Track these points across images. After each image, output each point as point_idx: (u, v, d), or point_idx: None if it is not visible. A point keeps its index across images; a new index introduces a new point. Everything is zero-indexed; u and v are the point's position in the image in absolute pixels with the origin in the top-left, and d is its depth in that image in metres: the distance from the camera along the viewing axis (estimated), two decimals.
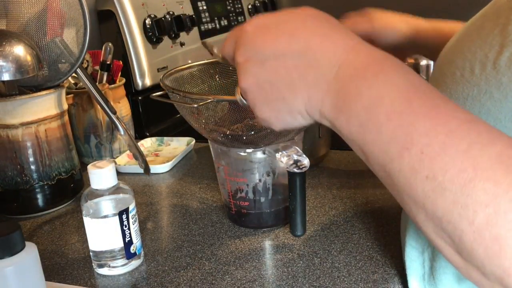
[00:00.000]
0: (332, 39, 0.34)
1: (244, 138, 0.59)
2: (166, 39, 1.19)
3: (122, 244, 0.57)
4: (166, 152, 0.98)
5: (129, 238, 0.57)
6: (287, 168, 0.56)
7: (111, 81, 0.95)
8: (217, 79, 0.72)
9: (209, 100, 0.55)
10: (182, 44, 1.24)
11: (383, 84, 0.31)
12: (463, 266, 0.29)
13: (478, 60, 0.37)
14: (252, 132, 0.59)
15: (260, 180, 0.63)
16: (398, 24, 0.61)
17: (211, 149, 0.66)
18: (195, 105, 0.57)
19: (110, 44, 0.93)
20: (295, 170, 0.55)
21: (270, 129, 0.59)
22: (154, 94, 0.63)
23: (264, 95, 0.37)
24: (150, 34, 1.15)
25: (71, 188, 0.78)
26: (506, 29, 0.36)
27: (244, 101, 0.41)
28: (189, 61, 0.72)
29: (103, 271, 0.58)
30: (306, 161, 0.55)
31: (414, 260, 0.48)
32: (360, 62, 0.33)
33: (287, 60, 0.35)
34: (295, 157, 0.56)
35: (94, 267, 0.59)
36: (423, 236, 0.46)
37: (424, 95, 0.30)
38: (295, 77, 0.35)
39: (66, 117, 0.78)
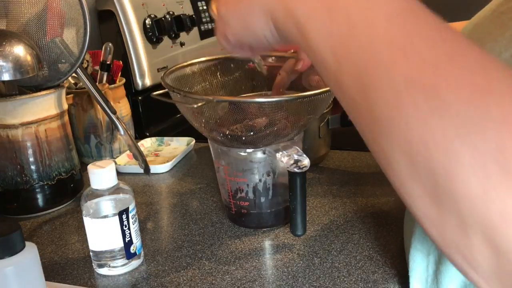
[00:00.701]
0: None
1: (243, 138, 0.59)
2: (166, 39, 1.19)
3: (122, 244, 0.57)
4: (166, 152, 0.98)
5: (129, 238, 0.57)
6: (288, 168, 0.56)
7: (111, 81, 0.95)
8: (219, 76, 0.72)
9: (209, 100, 0.55)
10: (182, 44, 1.24)
11: None
12: (437, 220, 0.24)
13: (503, 61, 0.36)
14: (252, 133, 0.59)
15: (260, 180, 0.63)
16: None
17: (211, 149, 0.66)
18: (195, 106, 0.57)
19: (110, 44, 0.93)
20: (296, 170, 0.55)
21: (269, 130, 0.59)
22: (154, 93, 0.63)
23: (233, 7, 0.37)
24: (150, 34, 1.14)
25: (71, 188, 0.78)
26: None
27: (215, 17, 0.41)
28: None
29: (103, 271, 0.58)
30: (306, 161, 0.55)
31: (419, 263, 0.48)
32: None
33: None
34: (296, 157, 0.56)
35: (94, 267, 0.59)
36: (429, 238, 0.46)
37: (423, 8, 0.27)
38: None
39: (66, 117, 0.78)
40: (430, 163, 0.23)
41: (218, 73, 0.71)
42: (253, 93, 0.72)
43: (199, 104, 0.56)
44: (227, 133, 0.60)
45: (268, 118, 0.59)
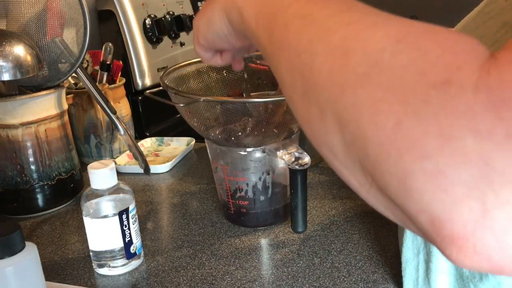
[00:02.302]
0: None
1: (233, 138, 0.60)
2: (166, 39, 1.19)
3: (122, 244, 0.57)
4: (166, 152, 0.98)
5: (129, 238, 0.57)
6: (289, 165, 0.56)
7: (111, 81, 0.95)
8: (219, 75, 0.72)
9: (197, 100, 0.56)
10: (182, 44, 1.24)
11: None
12: (306, 115, 0.27)
13: None
14: (240, 134, 0.59)
15: (260, 179, 0.63)
16: None
17: (208, 149, 0.66)
18: (181, 105, 0.57)
19: (110, 44, 0.93)
20: (297, 167, 0.55)
21: (264, 129, 0.59)
22: (148, 91, 0.63)
23: (201, 15, 0.42)
24: (150, 34, 1.15)
25: (71, 188, 0.78)
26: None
27: None
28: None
29: (103, 271, 0.58)
30: (307, 158, 0.56)
31: (409, 263, 0.48)
32: None
33: None
34: (296, 154, 0.56)
35: (94, 267, 0.59)
36: (419, 237, 0.46)
37: None
38: None
39: (66, 117, 0.78)
40: (296, 64, 0.27)
41: (218, 73, 0.71)
42: (256, 93, 0.72)
43: (186, 104, 0.56)
44: (217, 133, 0.61)
45: (264, 118, 0.59)
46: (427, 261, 0.45)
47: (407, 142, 0.21)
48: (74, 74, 0.71)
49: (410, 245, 0.48)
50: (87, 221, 0.57)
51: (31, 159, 0.72)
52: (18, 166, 0.72)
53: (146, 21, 1.14)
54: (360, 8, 0.27)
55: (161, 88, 0.62)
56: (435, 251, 0.43)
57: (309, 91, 0.26)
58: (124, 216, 0.56)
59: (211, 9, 0.40)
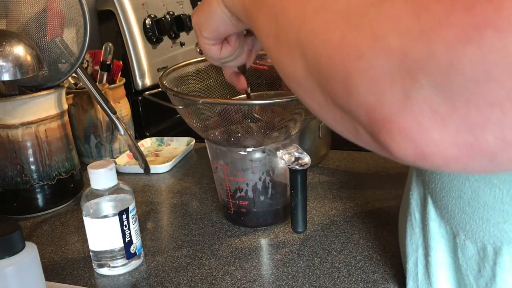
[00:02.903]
0: None
1: (233, 139, 0.60)
2: (166, 39, 1.19)
3: (122, 244, 0.57)
4: (166, 152, 0.98)
5: (129, 238, 0.57)
6: (289, 165, 0.56)
7: (111, 81, 0.95)
8: (219, 75, 0.72)
9: (196, 102, 0.56)
10: (182, 44, 1.24)
11: None
12: (277, 54, 0.32)
13: None
14: (239, 134, 0.60)
15: (260, 179, 0.63)
16: None
17: (208, 149, 0.67)
18: (180, 107, 0.57)
19: (110, 44, 0.93)
20: (297, 167, 0.55)
21: (263, 130, 0.59)
22: (147, 93, 0.63)
23: (198, 12, 0.45)
24: (150, 34, 1.14)
25: (71, 188, 0.78)
26: None
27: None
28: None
29: (103, 271, 0.58)
30: (307, 159, 0.56)
31: (409, 259, 0.48)
32: None
33: None
34: (296, 154, 0.56)
35: (94, 267, 0.59)
36: (417, 229, 0.46)
37: None
38: None
39: (66, 117, 0.78)
40: (271, 13, 0.32)
41: (218, 73, 0.71)
42: (256, 93, 0.72)
43: (184, 106, 0.56)
44: (216, 133, 0.61)
45: (263, 119, 0.59)
46: (426, 255, 0.45)
47: (347, 48, 0.25)
48: (74, 74, 0.71)
49: (409, 240, 0.48)
50: (87, 221, 0.57)
51: (31, 159, 0.72)
52: (18, 166, 0.72)
53: (146, 21, 1.14)
54: None
55: (160, 89, 0.62)
56: (433, 245, 0.44)
57: (280, 32, 0.31)
58: (124, 216, 0.56)
59: (208, 5, 0.43)
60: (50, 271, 0.59)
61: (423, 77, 0.22)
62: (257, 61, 0.68)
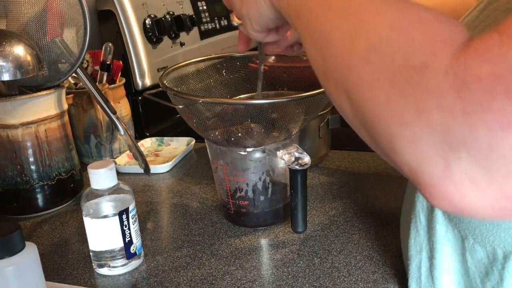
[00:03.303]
0: None
1: (233, 139, 0.60)
2: (166, 39, 1.19)
3: (122, 244, 0.57)
4: (166, 152, 0.98)
5: (129, 238, 0.57)
6: (289, 165, 0.56)
7: (111, 81, 0.95)
8: (220, 75, 0.72)
9: (196, 102, 0.56)
10: (182, 44, 1.24)
11: None
12: (325, 80, 0.34)
13: None
14: (240, 135, 0.60)
15: (260, 179, 0.63)
16: None
17: (208, 149, 0.67)
18: (180, 106, 0.57)
19: (110, 44, 0.93)
20: (297, 167, 0.55)
21: (263, 131, 0.59)
22: (147, 92, 0.63)
23: (247, 5, 0.47)
24: (150, 34, 1.14)
25: (71, 188, 0.78)
26: None
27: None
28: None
29: (103, 271, 0.58)
30: (307, 159, 0.56)
31: (412, 261, 0.48)
32: None
33: None
34: (296, 154, 0.56)
35: (94, 267, 0.59)
36: (422, 231, 0.46)
37: None
38: None
39: (66, 117, 0.78)
40: (318, 47, 0.33)
41: (218, 72, 0.71)
42: (255, 93, 0.72)
43: (186, 105, 0.56)
44: (217, 133, 0.61)
45: (264, 120, 0.59)
46: (431, 258, 0.45)
47: (393, 114, 0.27)
48: (74, 74, 0.71)
49: (413, 242, 0.47)
50: (87, 221, 0.57)
51: (31, 159, 0.72)
52: (18, 166, 0.72)
53: (146, 21, 1.14)
54: None
55: (161, 88, 0.62)
56: (439, 248, 0.44)
57: (327, 70, 0.33)
58: (124, 216, 0.56)
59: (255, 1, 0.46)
60: (50, 271, 0.59)
61: (464, 152, 0.24)
62: (257, 60, 0.68)
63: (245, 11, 0.48)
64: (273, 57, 0.70)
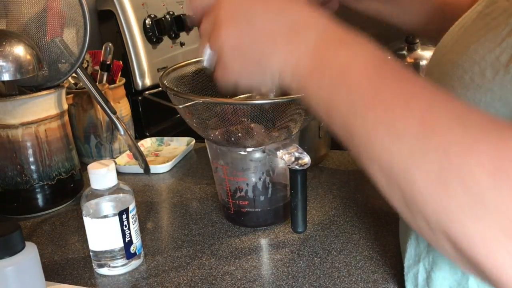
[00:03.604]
0: (314, 14, 0.38)
1: (233, 139, 0.60)
2: (166, 39, 1.19)
3: (122, 244, 0.57)
4: (166, 152, 0.98)
5: (129, 238, 0.57)
6: (289, 165, 0.56)
7: (111, 81, 0.95)
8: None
9: (196, 101, 0.56)
10: (182, 44, 1.24)
11: (356, 53, 0.34)
12: (411, 219, 0.31)
13: (488, 63, 0.36)
14: (240, 135, 0.60)
15: (260, 179, 0.63)
16: None
17: (208, 149, 0.67)
18: (180, 106, 0.57)
19: (110, 44, 0.93)
20: (297, 167, 0.55)
21: (264, 131, 0.59)
22: (147, 92, 0.63)
23: (243, 53, 0.39)
24: (150, 34, 1.14)
25: (71, 188, 0.78)
26: None
27: (210, 61, 0.41)
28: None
29: (103, 271, 0.58)
30: (307, 159, 0.56)
31: (410, 269, 0.48)
32: (337, 35, 0.36)
33: (278, 20, 0.37)
34: (296, 154, 0.56)
35: (94, 267, 0.59)
36: (422, 244, 0.46)
37: (393, 66, 0.33)
38: (278, 39, 0.37)
39: (66, 117, 0.78)
40: (390, 174, 0.31)
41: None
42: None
43: (186, 105, 0.56)
44: (217, 133, 0.61)
45: (264, 120, 0.59)
46: (429, 271, 0.44)
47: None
48: (74, 74, 0.71)
49: (413, 251, 0.47)
50: (87, 221, 0.57)
51: (31, 159, 0.72)
52: (18, 166, 0.72)
53: (146, 21, 1.14)
54: (444, 109, 0.29)
55: (161, 88, 0.62)
56: (440, 262, 0.43)
57: (411, 204, 0.29)
58: (124, 216, 0.56)
59: (260, 65, 0.39)
60: (50, 271, 0.59)
61: None
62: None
63: (234, 73, 0.41)
64: None
